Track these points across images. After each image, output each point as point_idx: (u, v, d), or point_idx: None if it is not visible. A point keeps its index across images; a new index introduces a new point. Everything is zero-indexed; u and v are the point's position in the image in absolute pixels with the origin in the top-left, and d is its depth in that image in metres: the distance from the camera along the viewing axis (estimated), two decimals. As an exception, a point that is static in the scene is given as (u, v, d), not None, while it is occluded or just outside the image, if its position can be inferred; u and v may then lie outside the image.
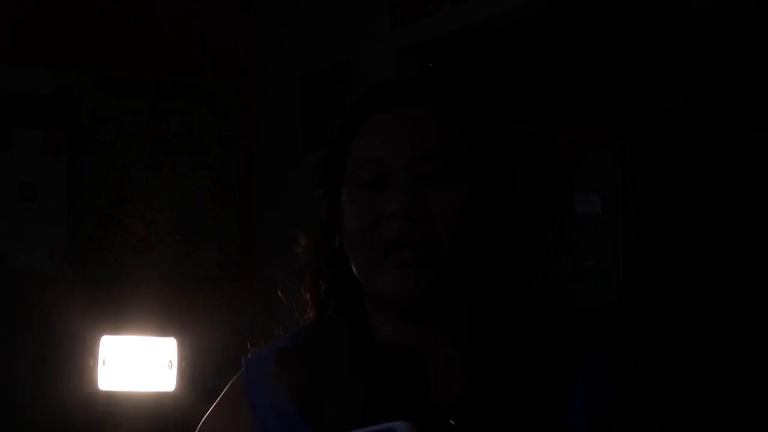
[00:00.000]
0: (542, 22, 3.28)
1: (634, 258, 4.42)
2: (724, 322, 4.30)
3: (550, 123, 4.30)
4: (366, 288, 1.14)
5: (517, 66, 3.65)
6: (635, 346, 4.36)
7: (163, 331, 3.46)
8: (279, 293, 1.24)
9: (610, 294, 4.41)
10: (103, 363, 3.39)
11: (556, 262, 4.27)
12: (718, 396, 4.17)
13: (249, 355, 1.20)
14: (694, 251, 4.41)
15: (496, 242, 1.16)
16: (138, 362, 3.42)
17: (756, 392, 4.08)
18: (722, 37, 3.52)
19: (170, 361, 3.43)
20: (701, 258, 4.39)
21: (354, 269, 1.15)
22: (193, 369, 3.48)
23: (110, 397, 3.38)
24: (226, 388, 1.20)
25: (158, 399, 3.41)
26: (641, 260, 4.42)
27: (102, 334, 3.39)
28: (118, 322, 3.47)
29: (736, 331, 4.28)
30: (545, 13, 3.20)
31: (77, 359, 3.43)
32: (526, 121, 4.05)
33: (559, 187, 4.39)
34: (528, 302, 1.19)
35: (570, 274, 4.33)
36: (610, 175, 4.45)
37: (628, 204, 4.44)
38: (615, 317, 4.37)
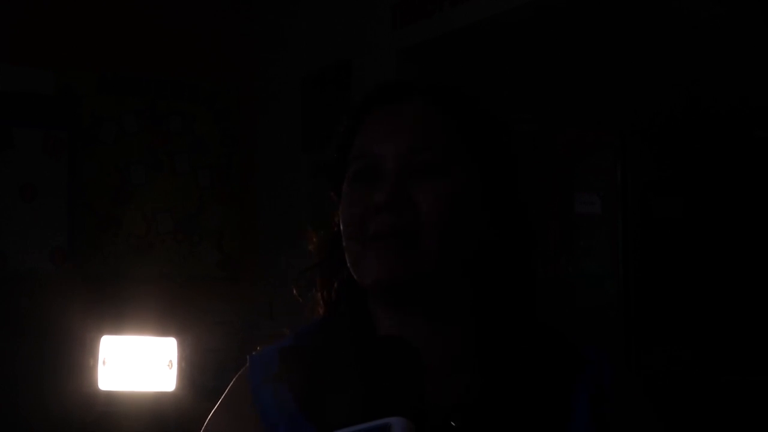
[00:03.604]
0: (542, 22, 3.28)
1: (634, 258, 4.42)
2: (724, 322, 4.31)
3: (551, 123, 4.30)
4: (354, 275, 1.16)
5: (517, 66, 3.65)
6: (635, 346, 4.36)
7: (163, 331, 3.46)
8: (294, 291, 1.24)
9: (610, 294, 4.41)
10: (103, 363, 3.39)
11: (556, 261, 4.27)
12: (718, 396, 4.17)
13: (253, 354, 1.20)
14: (694, 251, 4.41)
15: (494, 235, 1.16)
16: (138, 362, 3.42)
17: (756, 392, 4.09)
18: (723, 37, 3.52)
19: (170, 361, 3.43)
20: (701, 258, 4.39)
21: (346, 258, 1.17)
22: (193, 369, 3.48)
23: (110, 397, 3.38)
24: (230, 386, 1.21)
25: (158, 399, 3.40)
26: (641, 260, 4.42)
27: (102, 334, 3.39)
28: (118, 322, 3.47)
29: (736, 331, 4.28)
30: (545, 14, 3.20)
31: (77, 359, 3.43)
32: (527, 121, 4.05)
33: (559, 187, 4.39)
34: (531, 299, 1.19)
35: (570, 274, 4.33)
36: (610, 175, 4.45)
37: (628, 204, 4.44)
38: (615, 317, 4.37)
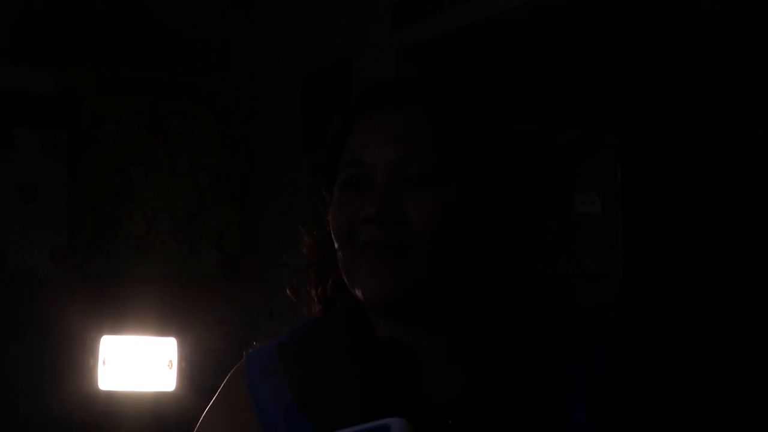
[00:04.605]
0: (542, 21, 3.28)
1: (634, 258, 4.42)
2: (724, 322, 4.31)
3: (551, 123, 4.30)
4: (347, 283, 1.16)
5: (517, 66, 3.65)
6: (635, 346, 4.36)
7: (163, 331, 3.46)
8: (287, 290, 1.24)
9: (610, 294, 4.41)
10: (103, 363, 3.39)
11: (556, 261, 4.27)
12: (718, 396, 4.17)
13: (250, 350, 1.20)
14: (694, 251, 4.41)
15: (486, 242, 1.16)
16: (138, 362, 3.42)
17: (756, 392, 4.09)
18: (723, 37, 3.52)
19: (170, 361, 3.44)
20: (701, 258, 4.39)
21: (339, 263, 1.17)
22: (193, 369, 3.48)
23: (110, 397, 3.39)
24: (226, 382, 1.21)
25: (158, 399, 3.41)
26: (641, 260, 4.42)
27: (102, 334, 3.39)
28: (118, 322, 3.48)
29: (736, 331, 4.28)
30: (545, 14, 3.20)
31: (77, 359, 3.44)
32: (527, 121, 4.05)
33: (559, 187, 4.39)
34: (525, 300, 1.19)
35: (570, 274, 4.33)
36: (610, 175, 4.45)
37: (628, 204, 4.44)
38: (615, 317, 4.37)
